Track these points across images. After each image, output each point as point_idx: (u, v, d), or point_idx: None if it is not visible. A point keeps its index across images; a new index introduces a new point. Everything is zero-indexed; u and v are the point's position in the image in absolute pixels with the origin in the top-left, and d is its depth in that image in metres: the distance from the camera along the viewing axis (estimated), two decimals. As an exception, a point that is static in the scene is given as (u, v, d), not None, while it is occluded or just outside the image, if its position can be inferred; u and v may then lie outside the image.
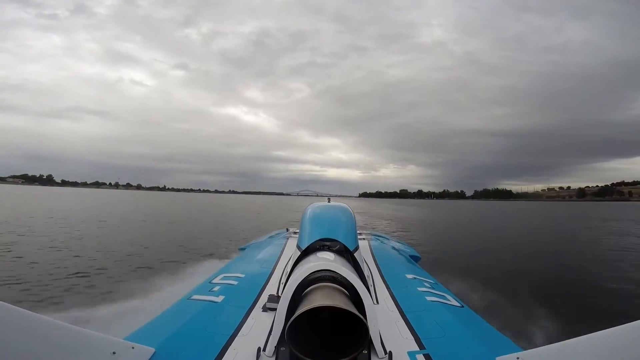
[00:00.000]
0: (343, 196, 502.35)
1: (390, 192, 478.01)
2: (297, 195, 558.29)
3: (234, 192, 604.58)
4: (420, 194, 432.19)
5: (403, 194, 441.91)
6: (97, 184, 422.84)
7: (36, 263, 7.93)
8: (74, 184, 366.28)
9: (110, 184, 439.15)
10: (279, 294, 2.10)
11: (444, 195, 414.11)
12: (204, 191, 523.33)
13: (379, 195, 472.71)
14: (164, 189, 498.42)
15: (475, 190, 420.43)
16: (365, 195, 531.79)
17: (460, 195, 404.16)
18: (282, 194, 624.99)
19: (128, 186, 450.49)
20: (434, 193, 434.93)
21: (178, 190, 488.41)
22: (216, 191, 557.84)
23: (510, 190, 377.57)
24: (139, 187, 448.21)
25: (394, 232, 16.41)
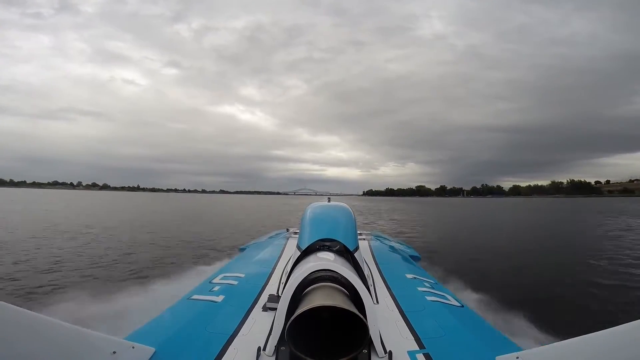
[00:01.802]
0: (345, 195, 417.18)
1: (404, 189, 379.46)
2: (294, 194, 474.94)
3: (224, 192, 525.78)
4: (443, 191, 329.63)
5: (421, 191, 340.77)
6: (56, 184, 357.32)
7: None
8: (6, 183, 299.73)
9: (72, 183, 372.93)
10: (279, 294, 2.16)
11: (484, 191, 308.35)
12: (192, 191, 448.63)
13: (390, 193, 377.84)
14: (137, 189, 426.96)
15: (514, 185, 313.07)
16: (370, 193, 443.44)
17: (494, 191, 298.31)
18: (279, 193, 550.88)
19: (94, 185, 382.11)
20: (462, 189, 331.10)
21: (158, 190, 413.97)
22: (203, 191, 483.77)
23: (590, 183, 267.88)
24: (103, 187, 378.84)
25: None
